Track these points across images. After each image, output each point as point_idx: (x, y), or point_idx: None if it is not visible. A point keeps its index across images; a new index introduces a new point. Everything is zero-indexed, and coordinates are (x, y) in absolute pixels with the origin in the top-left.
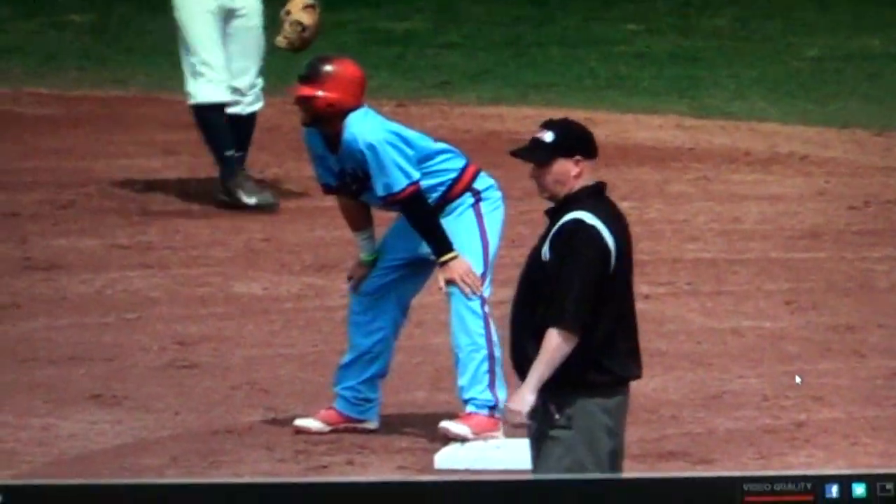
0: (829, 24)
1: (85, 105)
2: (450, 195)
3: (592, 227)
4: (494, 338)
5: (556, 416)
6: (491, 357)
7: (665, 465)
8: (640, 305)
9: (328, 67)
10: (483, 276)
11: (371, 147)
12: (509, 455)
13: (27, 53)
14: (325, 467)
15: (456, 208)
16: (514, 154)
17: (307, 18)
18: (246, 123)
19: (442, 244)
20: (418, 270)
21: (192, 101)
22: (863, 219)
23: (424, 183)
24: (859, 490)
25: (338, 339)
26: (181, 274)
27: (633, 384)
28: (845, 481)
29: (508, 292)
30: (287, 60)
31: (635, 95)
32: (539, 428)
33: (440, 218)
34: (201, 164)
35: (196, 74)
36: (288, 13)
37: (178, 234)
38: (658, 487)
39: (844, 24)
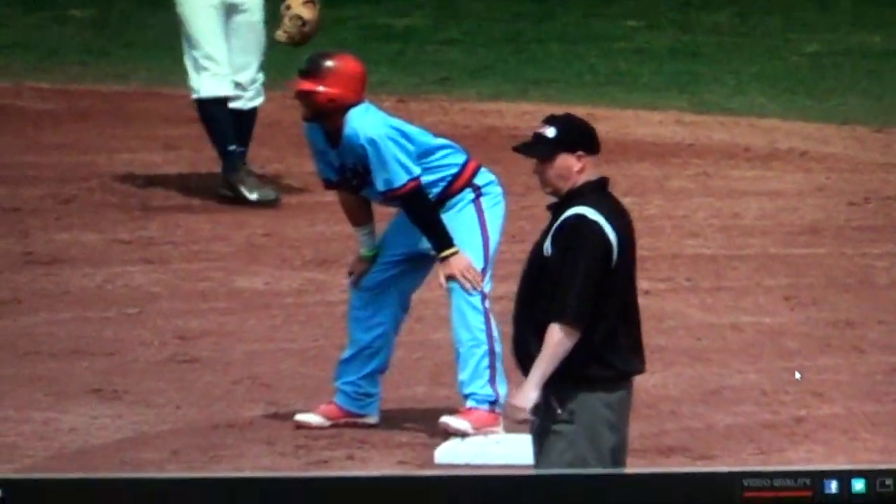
0: (829, 21)
1: (86, 100)
2: (450, 191)
3: (594, 223)
4: (495, 333)
5: (559, 411)
6: (491, 352)
7: (664, 460)
8: (639, 301)
9: (329, 62)
10: (483, 271)
11: (372, 142)
12: (509, 450)
13: (29, 48)
14: (325, 462)
15: (456, 204)
16: (517, 149)
17: (307, 13)
18: (247, 118)
19: (442, 240)
20: (419, 266)
21: (196, 96)
22: (862, 215)
23: (425, 178)
24: (859, 486)
25: (338, 334)
26: (182, 268)
27: (633, 379)
28: (845, 477)
29: (509, 287)
30: (287, 55)
31: (635, 91)
32: (541, 423)
33: (441, 213)
34: (202, 159)
35: (200, 69)
36: (288, 8)
37: (180, 229)
38: (658, 483)
39: (844, 20)
